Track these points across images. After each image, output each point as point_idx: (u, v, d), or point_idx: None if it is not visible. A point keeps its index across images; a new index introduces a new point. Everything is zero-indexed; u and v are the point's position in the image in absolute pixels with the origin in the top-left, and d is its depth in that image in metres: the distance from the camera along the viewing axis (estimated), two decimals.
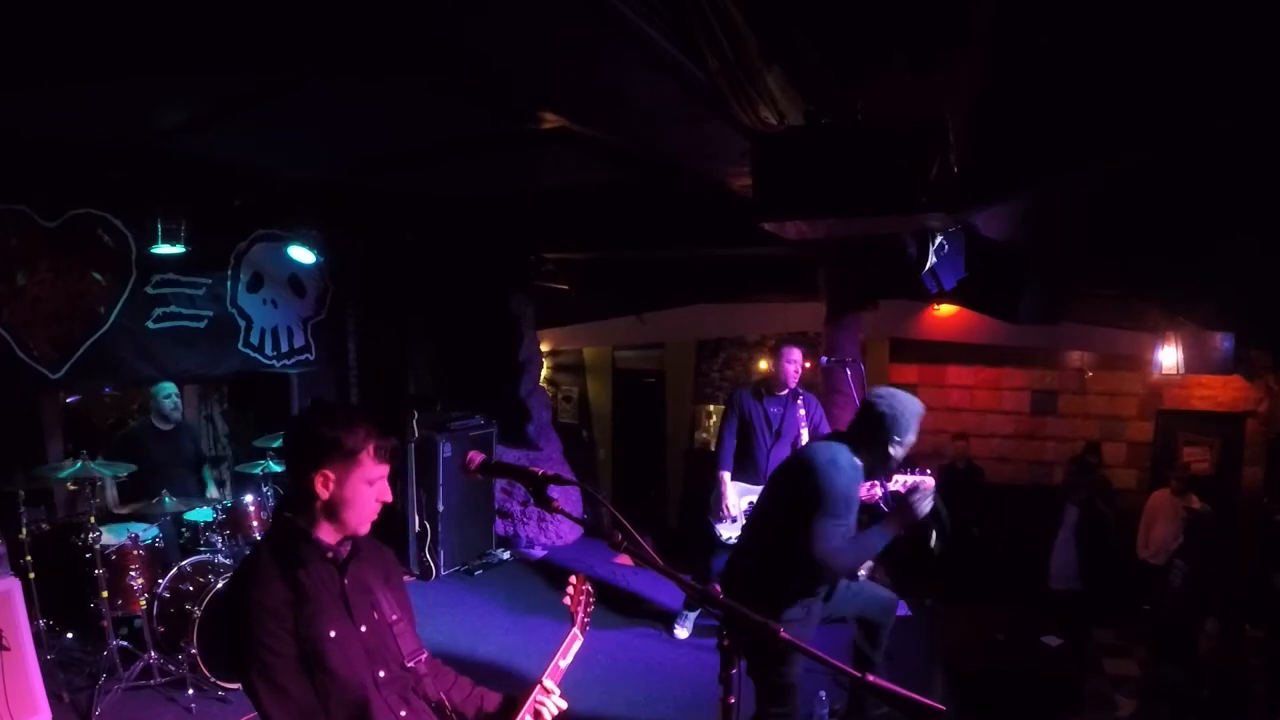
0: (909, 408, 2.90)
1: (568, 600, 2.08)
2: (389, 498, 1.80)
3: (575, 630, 2.05)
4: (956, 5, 2.46)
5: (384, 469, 1.78)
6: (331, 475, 1.71)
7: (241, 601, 1.65)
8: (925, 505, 2.90)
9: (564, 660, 2.00)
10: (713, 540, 4.81)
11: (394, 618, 1.83)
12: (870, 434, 2.90)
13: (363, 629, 1.76)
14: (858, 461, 2.90)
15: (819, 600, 3.01)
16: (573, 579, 2.12)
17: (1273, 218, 3.15)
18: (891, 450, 2.89)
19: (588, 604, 2.11)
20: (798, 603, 2.92)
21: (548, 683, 1.94)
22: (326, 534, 1.76)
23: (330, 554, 1.75)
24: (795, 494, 2.88)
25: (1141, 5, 2.23)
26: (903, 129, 2.65)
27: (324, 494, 1.71)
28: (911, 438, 2.91)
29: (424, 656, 1.87)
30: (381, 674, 1.76)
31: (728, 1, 2.27)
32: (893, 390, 2.99)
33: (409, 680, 1.82)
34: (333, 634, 1.68)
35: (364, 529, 1.79)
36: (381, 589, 1.84)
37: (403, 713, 1.76)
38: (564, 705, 1.95)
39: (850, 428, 3.05)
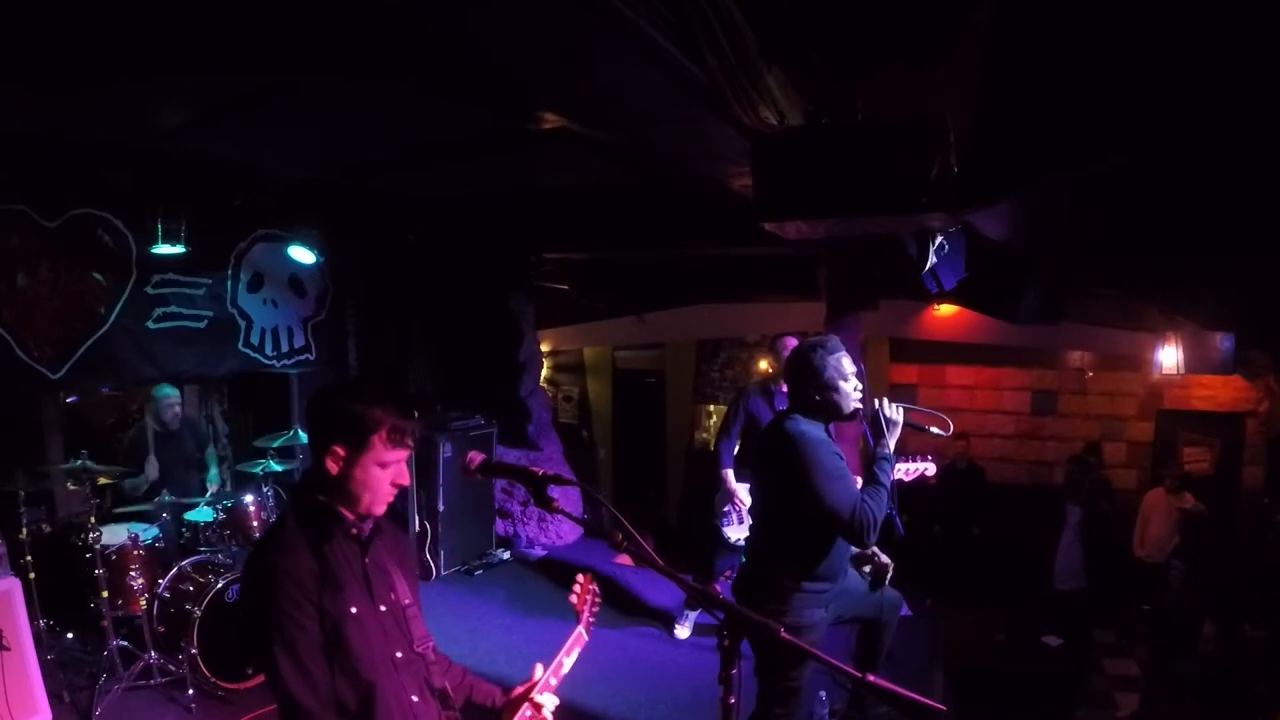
0: (818, 354, 2.86)
1: (574, 599, 2.04)
2: (406, 481, 1.75)
3: (580, 630, 2.01)
4: (956, 4, 2.46)
5: (400, 454, 1.72)
6: (341, 452, 1.67)
7: (269, 569, 1.62)
8: (893, 410, 2.89)
9: (567, 658, 1.96)
10: (718, 541, 4.81)
11: (406, 602, 1.81)
12: (807, 397, 2.87)
13: (382, 608, 1.73)
14: (816, 423, 2.87)
15: (833, 595, 2.97)
16: (580, 577, 2.07)
17: (1273, 217, 3.15)
18: (836, 399, 2.85)
19: (594, 604, 2.06)
20: (818, 601, 2.88)
21: (540, 699, 1.89)
22: (347, 510, 1.72)
23: (354, 530, 1.72)
24: (786, 477, 2.81)
25: (1142, 4, 2.23)
26: (903, 129, 2.64)
27: (333, 469, 1.67)
28: (846, 372, 2.86)
29: (431, 644, 1.85)
30: (398, 654, 1.74)
31: (728, 1, 2.27)
32: (799, 346, 2.96)
33: (420, 666, 1.80)
34: (354, 610, 1.65)
35: (377, 510, 1.74)
36: (396, 572, 1.82)
37: (414, 698, 1.74)
38: (556, 701, 1.93)
39: (790, 401, 3.00)
